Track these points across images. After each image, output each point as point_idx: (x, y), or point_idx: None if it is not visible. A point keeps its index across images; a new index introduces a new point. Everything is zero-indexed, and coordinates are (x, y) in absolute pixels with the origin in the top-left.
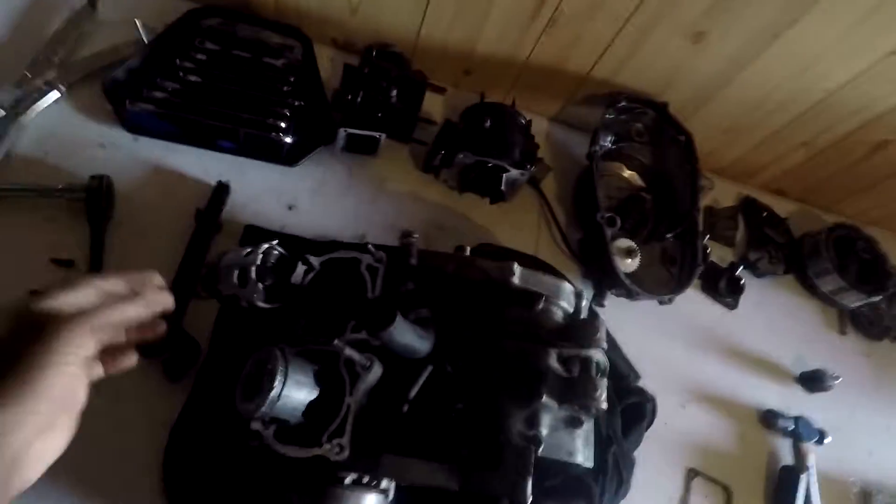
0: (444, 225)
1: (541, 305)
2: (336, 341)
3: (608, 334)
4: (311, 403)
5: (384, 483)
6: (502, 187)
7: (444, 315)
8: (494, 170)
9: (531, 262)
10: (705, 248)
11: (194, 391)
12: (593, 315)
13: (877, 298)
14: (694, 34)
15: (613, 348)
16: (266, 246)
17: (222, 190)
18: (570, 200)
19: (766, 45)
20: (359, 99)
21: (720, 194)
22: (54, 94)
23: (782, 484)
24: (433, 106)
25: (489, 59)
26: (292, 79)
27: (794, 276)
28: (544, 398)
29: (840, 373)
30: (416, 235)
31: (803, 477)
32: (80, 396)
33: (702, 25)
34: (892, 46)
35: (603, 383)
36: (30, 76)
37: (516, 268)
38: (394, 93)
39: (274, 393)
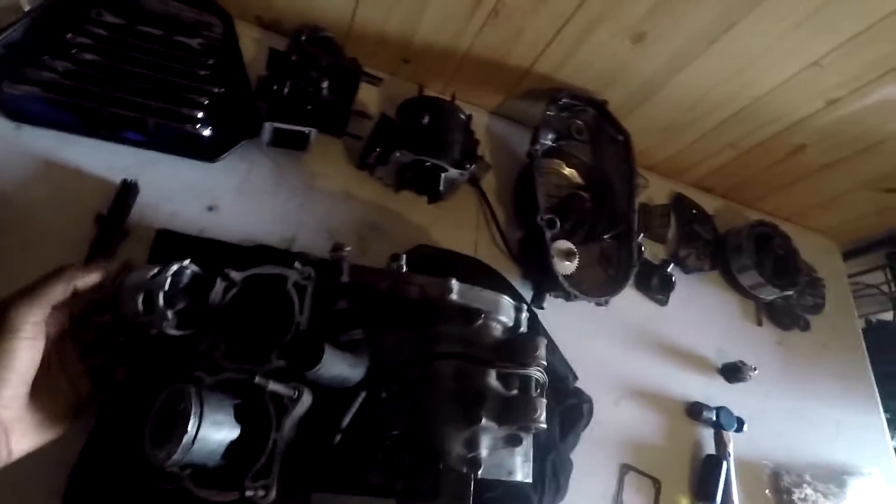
0: (380, 225)
1: (479, 322)
2: (257, 378)
3: (547, 335)
4: (232, 443)
5: None
6: (440, 187)
7: (378, 336)
8: (433, 169)
9: (470, 264)
10: (640, 246)
11: (97, 426)
12: (532, 331)
13: (790, 292)
14: (635, 35)
15: (552, 351)
16: (176, 266)
17: (128, 189)
18: (510, 198)
19: (703, 49)
20: (286, 90)
21: (652, 191)
22: None
23: (705, 472)
24: (368, 96)
25: (429, 49)
26: (210, 61)
27: (718, 272)
28: (483, 421)
29: (756, 362)
30: (347, 248)
31: (724, 463)
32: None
33: (643, 26)
34: (815, 57)
35: (542, 402)
36: None
37: (454, 284)
38: (325, 84)
39: (188, 438)
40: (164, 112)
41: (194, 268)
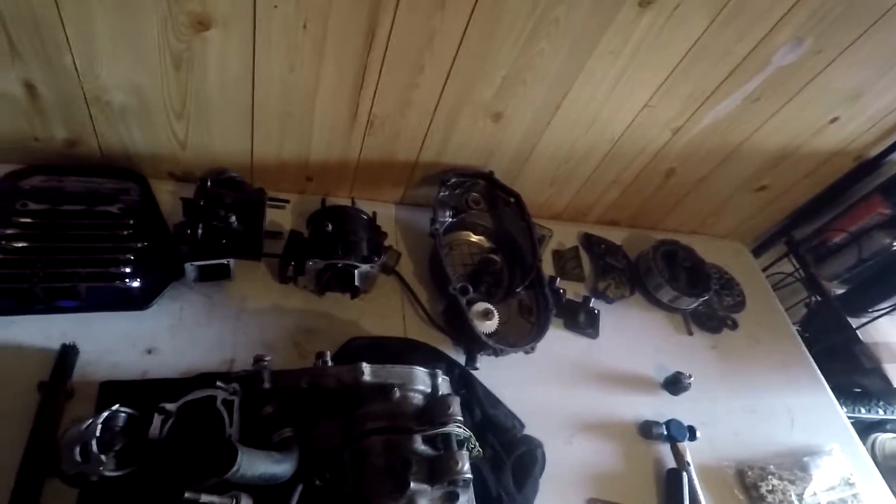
0: (313, 328)
1: (396, 395)
2: (186, 493)
3: (488, 392)
4: None
5: None
6: (356, 283)
7: (305, 429)
8: (345, 269)
9: (402, 344)
10: (559, 290)
11: None
12: (445, 394)
13: (705, 297)
14: (493, 114)
15: (495, 405)
16: (106, 413)
17: (68, 352)
18: (427, 275)
19: (552, 114)
20: (200, 231)
21: (563, 237)
22: None
23: (669, 486)
24: (281, 217)
25: (325, 165)
26: (131, 221)
27: (639, 294)
28: (414, 485)
29: (695, 369)
30: (267, 358)
31: (685, 474)
32: None
33: (496, 107)
34: (643, 101)
35: (463, 455)
36: None
37: (364, 366)
38: (232, 218)
39: None
40: (94, 276)
41: (126, 410)
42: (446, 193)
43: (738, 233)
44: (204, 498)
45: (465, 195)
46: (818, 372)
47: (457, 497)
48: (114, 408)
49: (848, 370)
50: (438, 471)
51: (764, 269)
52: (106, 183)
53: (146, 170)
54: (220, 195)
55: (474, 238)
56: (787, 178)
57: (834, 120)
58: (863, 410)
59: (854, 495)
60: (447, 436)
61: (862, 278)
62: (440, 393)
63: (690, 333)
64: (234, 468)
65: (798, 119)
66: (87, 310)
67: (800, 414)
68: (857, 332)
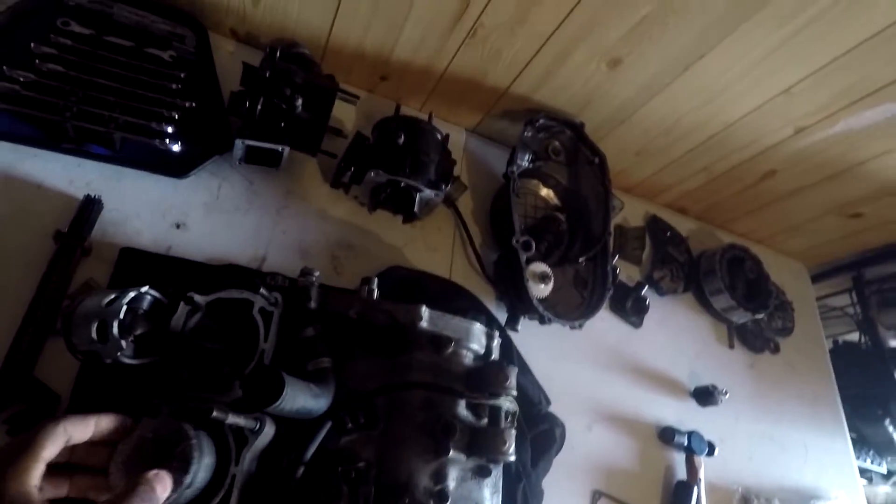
0: (354, 244)
1: (449, 351)
2: (215, 412)
3: (520, 358)
4: None
5: None
6: (415, 208)
7: (347, 363)
8: (408, 189)
9: (443, 286)
10: (615, 269)
11: None
12: (504, 357)
13: (761, 315)
14: (611, 59)
15: (525, 373)
16: (133, 293)
17: (91, 205)
18: (486, 217)
19: (677, 74)
20: (259, 107)
21: (627, 212)
22: None
23: (676, 498)
24: (345, 114)
25: (407, 66)
26: (182, 75)
27: (692, 294)
28: (452, 453)
29: (728, 384)
30: (317, 273)
31: (695, 489)
32: None
33: (619, 51)
34: (786, 85)
35: (511, 434)
36: None
37: (424, 311)
38: (299, 101)
39: (188, 488)
40: (132, 126)
41: (154, 293)
42: (530, 135)
43: (805, 255)
44: (231, 418)
45: (548, 142)
46: (843, 415)
47: (489, 472)
48: (143, 289)
49: (857, 416)
50: (482, 444)
51: (819, 298)
52: (159, 23)
53: (207, 19)
54: (290, 72)
55: (543, 191)
56: (887, 211)
57: None
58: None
59: None
60: (496, 408)
61: None
62: (493, 356)
63: (732, 347)
64: (279, 401)
65: None
66: (119, 163)
67: (815, 452)
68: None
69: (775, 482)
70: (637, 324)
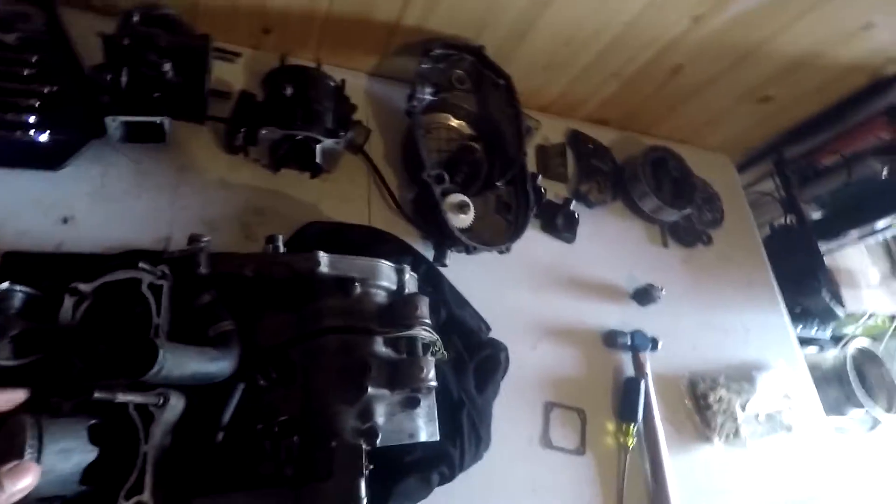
0: (263, 208)
1: (357, 291)
2: (96, 393)
3: (455, 292)
4: (92, 465)
5: None
6: (318, 160)
7: (249, 323)
8: (306, 142)
9: (365, 233)
10: (540, 188)
11: None
12: (412, 293)
13: (687, 211)
14: None
15: (462, 306)
16: None
17: None
18: (399, 159)
19: None
20: (124, 78)
21: (549, 131)
22: None
23: (626, 394)
24: (231, 75)
25: (288, 13)
26: (34, 58)
27: (621, 202)
28: (372, 389)
29: (665, 281)
30: (205, 239)
31: (642, 383)
32: None
33: None
34: None
35: (429, 361)
36: None
37: (322, 256)
38: (167, 66)
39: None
40: None
41: (25, 289)
42: (429, 66)
43: (727, 146)
44: (121, 397)
45: (450, 72)
46: (778, 292)
47: (417, 402)
48: (4, 285)
49: (797, 291)
50: (400, 376)
51: (745, 187)
52: None
53: None
54: (151, 36)
55: (454, 122)
56: (794, 90)
57: (868, 26)
58: (800, 328)
59: (789, 407)
60: (412, 339)
61: (838, 204)
62: (406, 291)
63: (665, 245)
64: (155, 369)
65: (831, 21)
66: None
67: (755, 331)
68: (822, 256)
69: (721, 364)
70: (570, 239)
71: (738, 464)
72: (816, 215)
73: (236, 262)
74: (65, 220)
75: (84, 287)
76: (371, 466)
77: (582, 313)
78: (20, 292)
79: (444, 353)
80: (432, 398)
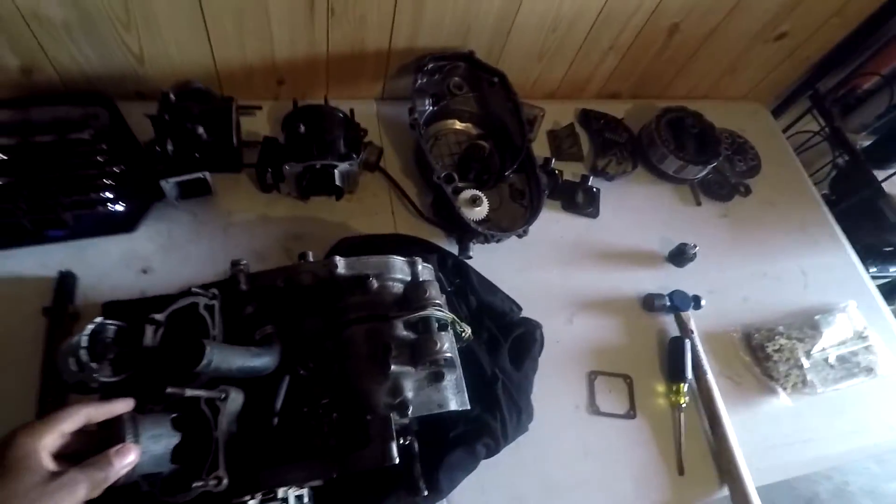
0: (301, 234)
1: (374, 285)
2: (169, 389)
3: (483, 280)
4: (178, 448)
5: (281, 493)
6: (338, 182)
7: (290, 327)
8: (324, 169)
9: (394, 240)
10: (554, 171)
11: None
12: (423, 280)
13: (713, 164)
14: None
15: (492, 292)
16: (91, 326)
17: (66, 279)
18: (414, 169)
19: None
20: (170, 147)
21: (560, 116)
22: None
23: (671, 353)
24: (257, 125)
25: (294, 64)
26: (104, 146)
27: (642, 168)
28: (395, 367)
29: (702, 239)
30: (244, 262)
31: (688, 342)
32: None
33: None
34: None
35: (442, 336)
36: None
37: (338, 260)
38: (200, 130)
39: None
40: (77, 203)
41: (114, 322)
42: (424, 80)
43: (758, 92)
44: (189, 392)
45: (446, 80)
46: (838, 230)
47: (442, 376)
48: (97, 320)
49: (877, 229)
50: (419, 353)
51: (785, 130)
52: (73, 110)
53: (111, 91)
54: (186, 108)
55: (460, 126)
56: (809, 20)
57: None
58: (892, 269)
59: (866, 347)
60: (426, 319)
61: (890, 126)
62: (421, 279)
63: (699, 204)
64: (204, 361)
65: None
66: (77, 237)
67: (815, 275)
68: (882, 185)
69: (777, 313)
70: (594, 214)
71: (812, 412)
72: (867, 144)
73: (269, 277)
74: (144, 271)
75: (158, 316)
76: (409, 438)
77: (617, 282)
78: (111, 325)
79: (470, 332)
80: (458, 373)
